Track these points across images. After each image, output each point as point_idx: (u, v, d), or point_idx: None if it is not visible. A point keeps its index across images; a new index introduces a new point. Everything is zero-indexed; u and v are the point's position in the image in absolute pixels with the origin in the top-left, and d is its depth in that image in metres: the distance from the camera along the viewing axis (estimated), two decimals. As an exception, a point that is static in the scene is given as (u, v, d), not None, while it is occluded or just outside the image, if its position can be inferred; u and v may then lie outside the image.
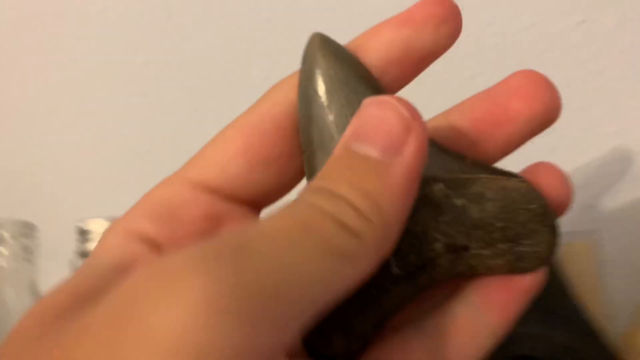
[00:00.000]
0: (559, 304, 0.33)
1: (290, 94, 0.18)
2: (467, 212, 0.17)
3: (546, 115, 0.17)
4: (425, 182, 0.16)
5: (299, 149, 0.18)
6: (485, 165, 0.18)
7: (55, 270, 0.34)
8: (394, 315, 0.18)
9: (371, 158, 0.15)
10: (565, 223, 0.34)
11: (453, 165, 0.18)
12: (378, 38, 0.17)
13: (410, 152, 0.15)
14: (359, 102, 0.16)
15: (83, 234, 0.34)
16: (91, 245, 0.34)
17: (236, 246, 0.13)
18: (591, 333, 0.32)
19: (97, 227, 0.33)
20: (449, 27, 0.17)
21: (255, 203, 0.18)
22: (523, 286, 0.17)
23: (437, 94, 0.28)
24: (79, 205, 0.47)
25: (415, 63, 0.18)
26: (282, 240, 0.14)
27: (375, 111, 0.15)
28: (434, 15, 0.17)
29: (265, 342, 0.13)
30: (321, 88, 0.18)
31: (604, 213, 0.36)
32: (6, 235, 0.37)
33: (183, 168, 0.18)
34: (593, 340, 0.32)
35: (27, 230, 0.38)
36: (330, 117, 0.18)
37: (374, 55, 0.17)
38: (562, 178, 0.17)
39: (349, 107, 0.17)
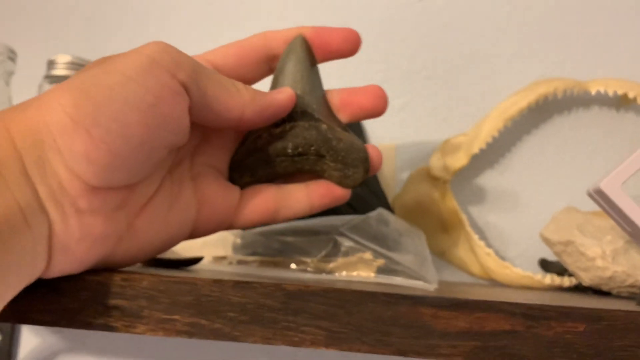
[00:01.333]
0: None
1: (265, 42, 0.32)
2: (331, 142, 0.31)
3: (375, 111, 0.33)
4: (321, 121, 0.31)
5: (264, 70, 0.33)
6: (346, 127, 0.33)
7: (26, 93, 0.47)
8: (278, 178, 0.32)
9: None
10: (378, 132, 0.52)
11: (335, 121, 0.33)
12: None
13: (280, 96, 0.30)
14: (302, 76, 0.32)
15: (52, 63, 0.47)
16: (57, 72, 0.47)
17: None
18: (377, 194, 0.50)
19: (64, 59, 0.46)
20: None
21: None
22: (336, 193, 0.32)
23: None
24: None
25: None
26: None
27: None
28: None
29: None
30: (292, 59, 0.32)
31: (406, 127, 0.54)
32: None
33: (205, 53, 0.32)
34: (377, 197, 0.50)
35: (11, 54, 0.45)
36: (289, 74, 0.32)
37: None
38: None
39: (298, 74, 0.32)
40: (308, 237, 0.41)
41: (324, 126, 0.31)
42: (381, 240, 0.40)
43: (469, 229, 0.48)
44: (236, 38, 0.33)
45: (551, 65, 0.53)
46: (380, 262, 0.38)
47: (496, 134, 0.49)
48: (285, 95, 0.30)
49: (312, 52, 0.33)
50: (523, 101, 0.49)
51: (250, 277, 0.29)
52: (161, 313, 0.27)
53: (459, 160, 0.49)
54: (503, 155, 0.53)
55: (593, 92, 0.49)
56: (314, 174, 0.32)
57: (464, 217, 0.49)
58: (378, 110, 0.33)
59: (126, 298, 0.27)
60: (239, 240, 0.42)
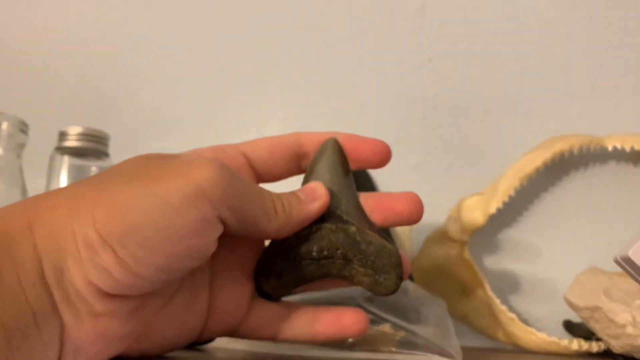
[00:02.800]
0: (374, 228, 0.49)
1: (298, 140, 0.32)
2: (359, 245, 0.29)
3: (410, 218, 0.31)
4: (350, 223, 0.30)
5: (293, 167, 0.32)
6: (380, 230, 0.31)
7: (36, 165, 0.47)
8: (306, 282, 0.31)
9: (300, 197, 0.29)
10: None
11: (367, 223, 0.31)
12: None
13: (315, 206, 0.29)
14: (331, 177, 0.31)
15: (63, 134, 0.47)
16: (68, 144, 0.47)
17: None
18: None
19: (75, 130, 0.46)
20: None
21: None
22: (344, 322, 0.30)
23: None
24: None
25: None
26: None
27: (313, 185, 0.30)
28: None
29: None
30: (324, 160, 0.32)
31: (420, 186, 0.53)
32: (5, 130, 0.43)
33: (240, 144, 0.31)
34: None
35: (23, 127, 0.45)
36: (319, 173, 0.31)
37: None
38: (417, 199, 0.32)
39: (328, 175, 0.31)
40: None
41: (352, 228, 0.29)
42: (400, 312, 0.39)
43: (490, 293, 0.47)
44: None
45: (566, 121, 0.53)
46: (401, 334, 0.37)
47: (513, 192, 0.48)
48: (320, 203, 0.29)
49: (344, 154, 0.32)
50: (539, 159, 0.48)
51: (265, 355, 0.28)
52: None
53: (476, 221, 0.48)
54: (520, 213, 0.51)
55: (610, 148, 0.48)
56: (343, 279, 0.31)
57: (484, 280, 0.47)
58: (414, 217, 0.32)
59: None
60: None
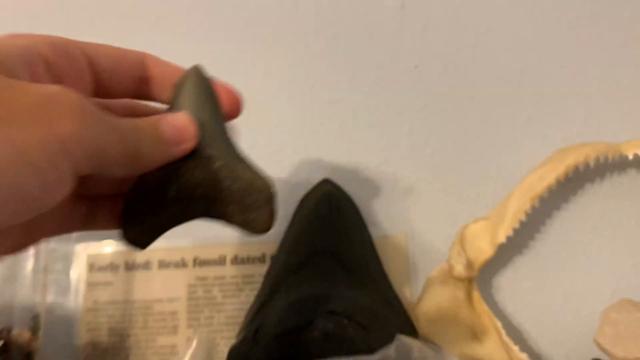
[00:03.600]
0: (366, 278, 0.42)
1: (144, 60, 0.29)
2: (223, 183, 0.27)
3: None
4: (214, 158, 0.27)
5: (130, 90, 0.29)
6: (249, 162, 0.29)
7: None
8: (172, 226, 0.29)
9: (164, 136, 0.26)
10: (385, 222, 0.44)
11: (234, 155, 0.28)
12: None
13: (179, 150, 0.26)
14: (196, 106, 0.28)
15: None
16: None
17: None
18: (389, 301, 0.42)
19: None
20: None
21: None
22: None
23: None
24: None
25: None
26: None
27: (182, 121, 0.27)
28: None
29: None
30: (188, 88, 0.28)
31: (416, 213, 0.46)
32: None
33: (84, 43, 0.27)
34: (391, 306, 0.42)
35: None
36: (183, 104, 0.28)
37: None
38: (235, 94, 0.31)
39: (192, 105, 0.28)
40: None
41: (215, 164, 0.27)
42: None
43: (506, 339, 0.40)
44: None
45: (574, 127, 0.46)
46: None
47: (523, 217, 0.41)
48: (187, 146, 0.26)
49: (209, 82, 0.29)
50: (550, 175, 0.42)
51: None
52: None
53: (484, 253, 0.42)
54: (533, 238, 0.45)
55: (630, 156, 0.42)
56: (215, 219, 0.29)
57: (498, 324, 0.41)
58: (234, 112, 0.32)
59: None
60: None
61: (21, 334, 0.38)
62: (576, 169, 0.42)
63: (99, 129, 0.21)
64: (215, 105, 0.29)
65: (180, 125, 0.26)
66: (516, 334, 0.43)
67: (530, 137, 0.46)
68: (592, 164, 0.42)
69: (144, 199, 0.27)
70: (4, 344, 0.37)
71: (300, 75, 0.49)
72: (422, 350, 0.34)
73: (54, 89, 0.21)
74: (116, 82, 0.28)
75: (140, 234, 0.28)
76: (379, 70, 0.49)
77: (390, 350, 0.33)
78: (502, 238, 0.41)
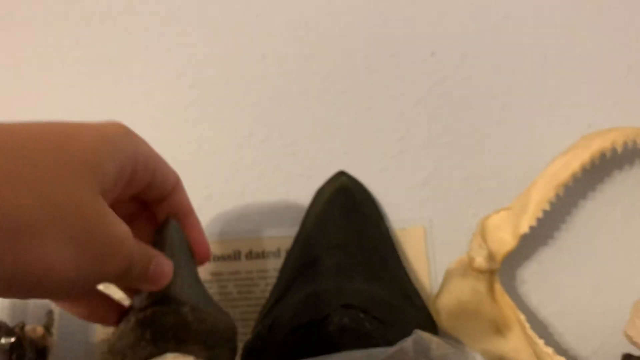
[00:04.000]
0: (384, 272, 0.41)
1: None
2: (191, 326, 0.32)
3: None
4: (183, 303, 0.32)
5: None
6: (214, 303, 0.35)
7: None
8: None
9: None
10: (403, 214, 0.43)
11: (202, 299, 0.34)
12: None
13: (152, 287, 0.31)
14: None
15: None
16: None
17: None
18: (408, 295, 0.41)
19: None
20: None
21: None
22: None
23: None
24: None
25: None
26: None
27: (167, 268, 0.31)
28: None
29: None
30: (163, 239, 0.34)
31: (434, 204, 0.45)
32: None
33: None
34: (409, 300, 0.41)
35: None
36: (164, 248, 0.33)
37: None
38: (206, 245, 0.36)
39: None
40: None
41: (184, 309, 0.31)
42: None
43: (530, 332, 0.38)
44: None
45: (600, 112, 0.44)
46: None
47: (547, 206, 0.40)
48: (158, 287, 0.31)
49: (181, 232, 0.35)
50: (575, 162, 0.40)
51: None
52: None
53: (506, 244, 0.40)
54: (558, 228, 0.43)
55: (660, 141, 0.40)
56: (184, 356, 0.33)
57: (522, 317, 0.39)
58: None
59: None
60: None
61: (34, 329, 0.38)
62: (602, 156, 0.40)
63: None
64: (188, 254, 0.35)
65: (165, 271, 0.31)
66: (541, 329, 0.41)
67: (553, 124, 0.45)
68: (619, 149, 0.40)
69: (125, 337, 0.32)
70: (17, 340, 0.37)
71: (314, 65, 0.48)
72: (440, 346, 0.32)
73: (123, 236, 0.27)
74: (144, 191, 0.32)
75: None
76: (394, 59, 0.48)
77: (408, 343, 0.31)
78: (525, 228, 0.39)
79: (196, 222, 0.36)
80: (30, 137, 0.24)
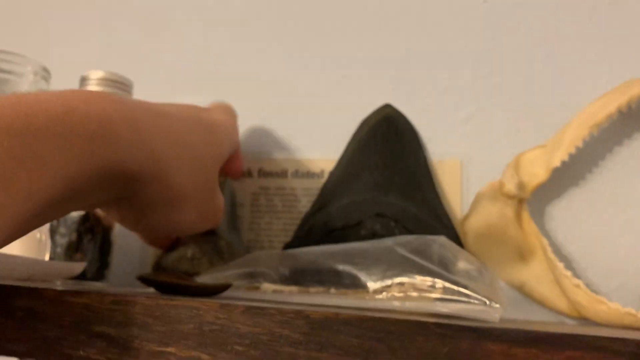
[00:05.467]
0: (418, 193, 0.44)
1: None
2: (223, 254, 0.42)
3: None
4: (218, 238, 0.42)
5: None
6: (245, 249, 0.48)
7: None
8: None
9: None
10: (442, 147, 0.46)
11: (237, 240, 0.46)
12: None
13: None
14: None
15: (84, 80, 0.45)
16: (90, 88, 0.45)
17: None
18: (439, 217, 0.44)
19: (96, 75, 0.44)
20: None
21: None
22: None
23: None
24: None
25: None
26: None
27: None
28: None
29: None
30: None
31: (474, 140, 0.47)
32: (30, 74, 0.41)
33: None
34: (439, 220, 0.43)
35: (45, 74, 0.43)
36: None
37: None
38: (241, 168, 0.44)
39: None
40: (356, 260, 0.35)
41: (222, 242, 0.42)
42: (444, 266, 0.33)
43: (551, 255, 0.40)
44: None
45: (644, 64, 0.45)
46: (439, 288, 0.32)
47: (580, 143, 0.42)
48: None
49: (234, 195, 0.48)
50: (612, 104, 0.41)
51: (269, 303, 0.23)
52: (154, 344, 0.21)
53: (537, 177, 0.42)
54: (590, 170, 0.45)
55: (700, 91, 0.41)
56: None
57: (545, 241, 0.41)
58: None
59: (114, 325, 0.22)
60: (274, 269, 0.37)
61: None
62: (639, 101, 0.42)
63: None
64: (233, 207, 0.47)
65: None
66: (566, 264, 0.43)
67: (597, 73, 0.46)
68: (658, 96, 0.41)
69: (169, 255, 0.42)
70: (85, 215, 0.41)
71: (369, 2, 0.51)
72: (466, 257, 0.34)
73: (221, 205, 0.36)
74: None
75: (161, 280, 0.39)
76: (448, 3, 0.50)
77: (435, 238, 0.34)
78: (556, 162, 0.41)
79: (239, 159, 0.43)
80: (187, 125, 0.32)
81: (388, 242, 0.34)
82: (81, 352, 0.21)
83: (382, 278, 0.33)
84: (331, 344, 0.20)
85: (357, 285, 0.33)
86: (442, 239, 0.34)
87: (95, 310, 0.22)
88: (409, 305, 0.29)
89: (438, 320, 0.21)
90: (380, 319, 0.20)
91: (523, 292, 0.43)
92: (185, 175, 0.30)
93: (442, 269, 0.32)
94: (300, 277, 0.36)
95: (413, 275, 0.32)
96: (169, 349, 0.21)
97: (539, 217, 0.44)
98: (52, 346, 0.21)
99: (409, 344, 0.20)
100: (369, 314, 0.22)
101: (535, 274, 0.42)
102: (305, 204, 0.48)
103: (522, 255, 0.43)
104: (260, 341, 0.20)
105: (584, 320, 0.41)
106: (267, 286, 0.36)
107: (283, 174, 0.50)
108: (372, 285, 0.32)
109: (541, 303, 0.43)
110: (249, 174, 0.50)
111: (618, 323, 0.38)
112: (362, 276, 0.33)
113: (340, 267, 0.35)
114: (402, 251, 0.33)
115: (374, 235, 0.40)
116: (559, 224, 0.44)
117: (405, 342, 0.20)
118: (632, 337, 0.19)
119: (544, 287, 0.42)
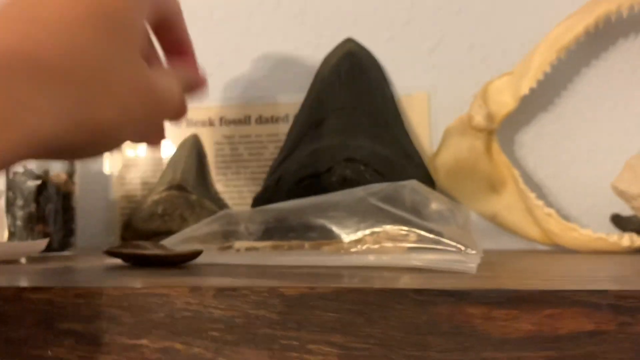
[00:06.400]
0: (387, 133, 0.43)
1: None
2: (194, 209, 0.42)
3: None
4: (192, 193, 0.42)
5: None
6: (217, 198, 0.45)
7: None
8: (154, 235, 0.41)
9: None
10: (408, 80, 0.44)
11: (208, 193, 0.44)
12: None
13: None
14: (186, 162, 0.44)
15: None
16: None
17: None
18: (408, 154, 0.43)
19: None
20: None
21: None
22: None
23: None
24: None
25: None
26: None
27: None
28: None
29: None
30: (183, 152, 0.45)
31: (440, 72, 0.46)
32: None
33: None
34: (410, 159, 0.43)
35: None
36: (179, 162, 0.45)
37: None
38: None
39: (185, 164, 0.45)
40: (329, 213, 0.34)
41: (192, 197, 0.42)
42: (416, 212, 0.33)
43: (523, 186, 0.40)
44: None
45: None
46: (413, 237, 0.31)
47: (548, 68, 0.41)
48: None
49: (201, 146, 0.45)
50: (579, 25, 0.40)
51: (240, 282, 0.22)
52: (126, 337, 0.21)
53: (506, 105, 0.41)
54: (558, 94, 0.44)
55: (668, 6, 0.40)
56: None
57: (516, 172, 0.41)
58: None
59: (81, 320, 0.21)
60: (247, 226, 0.36)
61: (58, 175, 0.40)
62: (607, 20, 0.40)
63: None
64: (203, 159, 0.45)
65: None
66: (537, 190, 0.43)
67: (563, -8, 0.45)
68: (625, 13, 0.40)
69: (139, 213, 0.43)
70: (42, 183, 0.40)
71: None
72: (438, 199, 0.33)
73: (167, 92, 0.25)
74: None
75: (131, 238, 0.42)
76: None
77: (405, 184, 0.33)
78: (525, 90, 0.40)
79: (193, 58, 0.32)
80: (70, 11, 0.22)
81: (359, 192, 0.33)
82: (49, 352, 0.20)
83: (356, 230, 0.32)
84: (308, 321, 0.20)
85: (331, 238, 0.33)
86: (413, 183, 0.34)
87: (59, 305, 0.21)
88: (385, 259, 0.29)
89: (416, 285, 0.21)
90: (357, 289, 0.20)
91: (495, 222, 0.44)
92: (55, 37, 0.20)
93: (415, 215, 0.32)
94: (273, 233, 0.35)
95: (386, 224, 0.32)
96: (142, 342, 0.20)
97: (508, 146, 0.44)
98: (18, 348, 0.21)
99: (388, 314, 0.20)
100: (346, 273, 0.21)
101: (507, 204, 0.42)
102: (273, 151, 0.47)
103: (493, 186, 0.42)
104: (235, 325, 0.20)
105: (555, 246, 0.41)
106: (240, 244, 0.35)
107: (246, 120, 0.48)
108: (346, 237, 0.32)
109: (513, 232, 0.43)
110: (210, 123, 0.48)
111: (590, 248, 0.38)
112: (336, 229, 0.32)
113: (313, 221, 0.34)
114: (373, 201, 0.32)
115: (344, 181, 0.39)
116: (529, 152, 0.44)
117: (384, 312, 0.20)
118: (610, 289, 0.19)
119: (515, 217, 0.42)
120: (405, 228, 0.31)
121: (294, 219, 0.34)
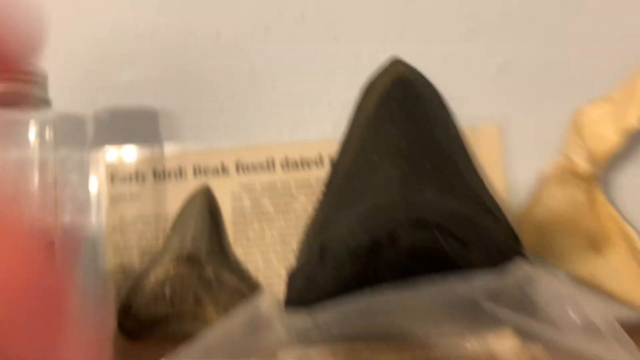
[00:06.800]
0: (458, 180, 0.34)
1: None
2: (212, 287, 0.34)
3: None
4: (204, 266, 0.34)
5: None
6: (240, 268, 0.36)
7: None
8: (161, 321, 0.35)
9: None
10: (474, 109, 0.35)
11: (228, 262, 0.36)
12: None
13: None
14: (195, 223, 0.36)
15: None
16: None
17: None
18: (488, 208, 0.34)
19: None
20: None
21: None
22: None
23: None
24: None
25: None
26: None
27: None
28: None
29: None
30: (191, 207, 0.37)
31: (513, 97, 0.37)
32: None
33: None
34: (490, 214, 0.34)
35: None
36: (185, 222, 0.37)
37: None
38: None
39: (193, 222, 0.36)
40: (422, 311, 0.25)
41: (208, 271, 0.34)
42: (532, 313, 0.24)
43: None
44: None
45: None
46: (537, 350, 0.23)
47: (663, 94, 0.32)
48: None
49: (213, 198, 0.37)
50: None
51: None
52: None
53: (608, 141, 0.32)
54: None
55: None
56: (197, 320, 0.34)
57: (628, 228, 0.32)
58: None
59: None
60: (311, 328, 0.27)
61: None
62: None
63: None
64: (217, 219, 0.36)
65: None
66: (641, 243, 0.35)
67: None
68: None
69: (140, 295, 0.34)
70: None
71: None
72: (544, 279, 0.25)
73: None
74: None
75: (134, 326, 0.34)
76: None
77: (516, 273, 0.24)
78: (632, 121, 0.32)
79: None
80: None
81: (462, 288, 0.24)
82: None
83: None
84: None
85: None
86: (525, 270, 0.25)
87: None
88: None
89: None
90: None
91: (592, 283, 0.35)
92: None
93: (543, 321, 0.23)
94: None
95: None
96: None
97: (610, 193, 0.35)
98: None
99: None
100: None
101: (611, 265, 0.34)
102: (304, 202, 0.37)
103: (595, 244, 0.34)
104: None
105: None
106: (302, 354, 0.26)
107: (269, 164, 0.38)
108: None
109: (617, 298, 0.34)
110: (223, 169, 0.38)
111: None
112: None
113: (397, 326, 0.25)
114: (488, 305, 0.23)
115: (414, 253, 0.30)
116: (635, 200, 0.35)
117: None
118: None
119: (621, 279, 0.34)
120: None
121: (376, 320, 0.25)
